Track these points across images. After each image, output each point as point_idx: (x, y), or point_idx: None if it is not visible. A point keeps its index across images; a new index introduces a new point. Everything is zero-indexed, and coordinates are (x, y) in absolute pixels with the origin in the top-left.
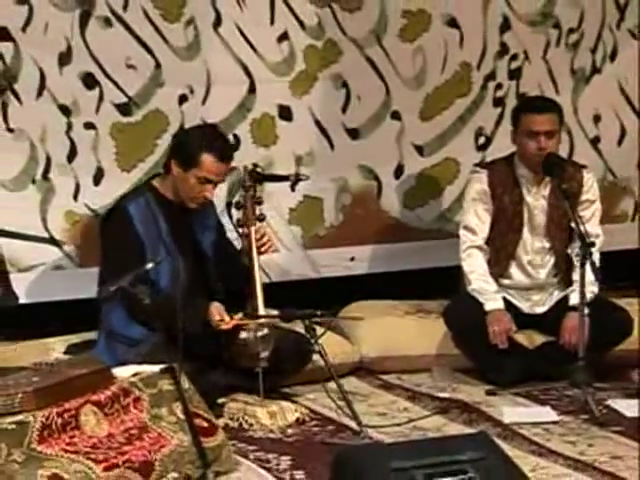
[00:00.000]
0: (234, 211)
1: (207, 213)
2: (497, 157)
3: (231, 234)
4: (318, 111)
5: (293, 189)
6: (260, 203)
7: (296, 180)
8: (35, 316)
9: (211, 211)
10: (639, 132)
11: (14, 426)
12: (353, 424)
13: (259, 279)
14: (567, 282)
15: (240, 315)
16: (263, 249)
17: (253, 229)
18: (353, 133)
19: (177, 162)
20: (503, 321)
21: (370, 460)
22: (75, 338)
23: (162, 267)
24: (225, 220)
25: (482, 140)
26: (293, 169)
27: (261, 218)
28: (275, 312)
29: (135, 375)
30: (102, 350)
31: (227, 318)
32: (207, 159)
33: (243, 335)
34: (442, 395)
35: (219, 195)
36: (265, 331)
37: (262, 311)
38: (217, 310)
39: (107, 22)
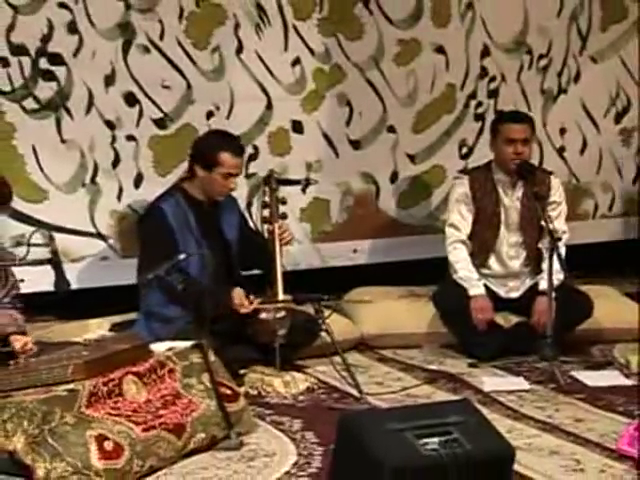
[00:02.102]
0: (254, 210)
1: (231, 209)
2: (477, 165)
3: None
4: (325, 125)
5: (304, 191)
6: (284, 203)
7: (306, 184)
8: (84, 299)
9: (235, 207)
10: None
11: (66, 393)
12: (355, 392)
13: (280, 269)
14: (537, 271)
15: (259, 300)
16: (284, 242)
17: (276, 225)
18: (355, 144)
19: (200, 166)
20: (486, 310)
21: (369, 422)
22: (118, 318)
23: (192, 258)
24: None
25: (465, 150)
26: (304, 174)
27: (284, 216)
28: (289, 297)
29: (169, 350)
30: (141, 328)
31: (246, 302)
32: (225, 157)
33: (264, 316)
34: (431, 367)
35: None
36: (283, 313)
37: (282, 296)
38: (238, 295)
39: (146, 49)
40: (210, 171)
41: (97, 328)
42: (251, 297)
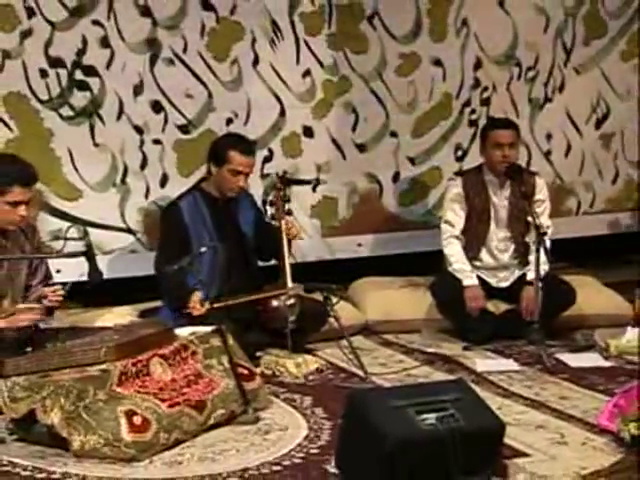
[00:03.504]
0: (268, 207)
1: (247, 205)
2: (469, 167)
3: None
4: (333, 130)
5: (314, 190)
6: (288, 201)
7: (316, 184)
8: (115, 288)
9: (250, 203)
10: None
11: (99, 373)
12: (360, 372)
13: (288, 260)
14: (524, 263)
15: (208, 304)
16: (290, 237)
17: (283, 222)
18: (360, 147)
19: (213, 163)
20: (479, 299)
21: (374, 400)
22: (146, 305)
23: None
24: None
25: (460, 153)
26: (314, 175)
27: (289, 213)
28: (300, 285)
29: (192, 334)
30: (165, 315)
31: (198, 306)
32: (233, 154)
33: (275, 303)
34: (429, 350)
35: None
36: (292, 300)
37: (290, 285)
38: (193, 299)
39: (171, 62)
40: (220, 167)
41: (127, 314)
42: (204, 301)
